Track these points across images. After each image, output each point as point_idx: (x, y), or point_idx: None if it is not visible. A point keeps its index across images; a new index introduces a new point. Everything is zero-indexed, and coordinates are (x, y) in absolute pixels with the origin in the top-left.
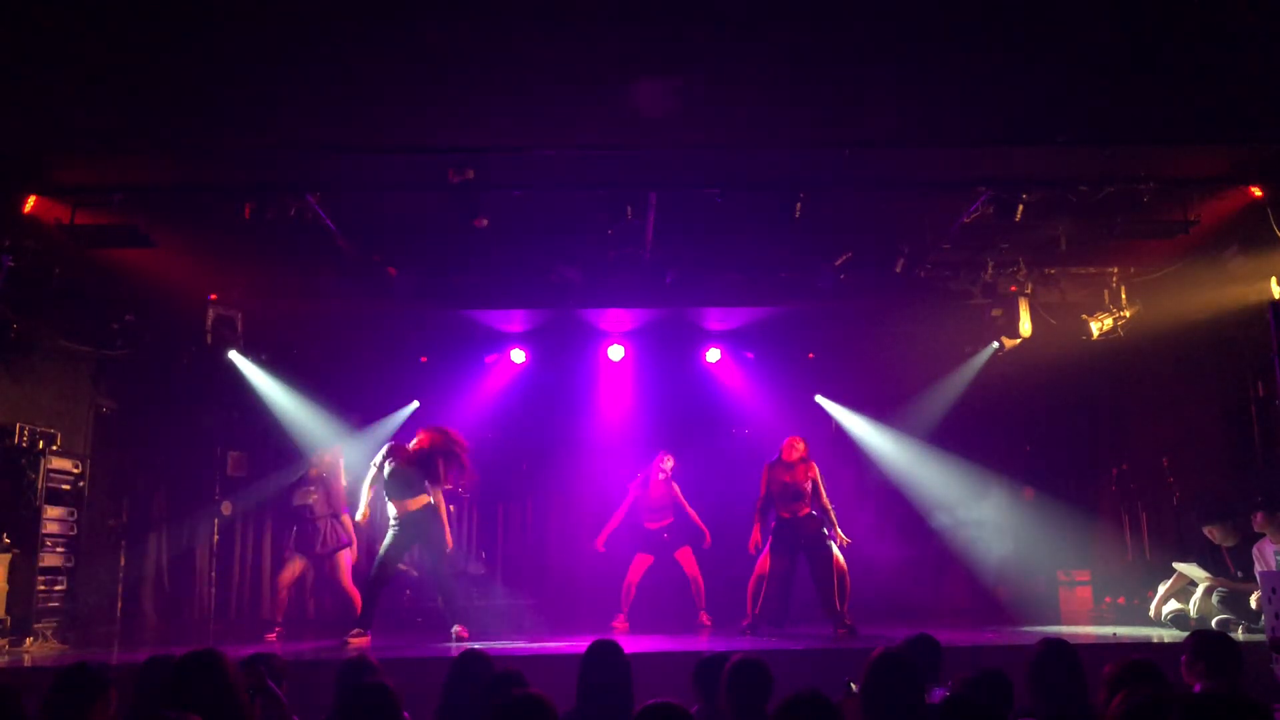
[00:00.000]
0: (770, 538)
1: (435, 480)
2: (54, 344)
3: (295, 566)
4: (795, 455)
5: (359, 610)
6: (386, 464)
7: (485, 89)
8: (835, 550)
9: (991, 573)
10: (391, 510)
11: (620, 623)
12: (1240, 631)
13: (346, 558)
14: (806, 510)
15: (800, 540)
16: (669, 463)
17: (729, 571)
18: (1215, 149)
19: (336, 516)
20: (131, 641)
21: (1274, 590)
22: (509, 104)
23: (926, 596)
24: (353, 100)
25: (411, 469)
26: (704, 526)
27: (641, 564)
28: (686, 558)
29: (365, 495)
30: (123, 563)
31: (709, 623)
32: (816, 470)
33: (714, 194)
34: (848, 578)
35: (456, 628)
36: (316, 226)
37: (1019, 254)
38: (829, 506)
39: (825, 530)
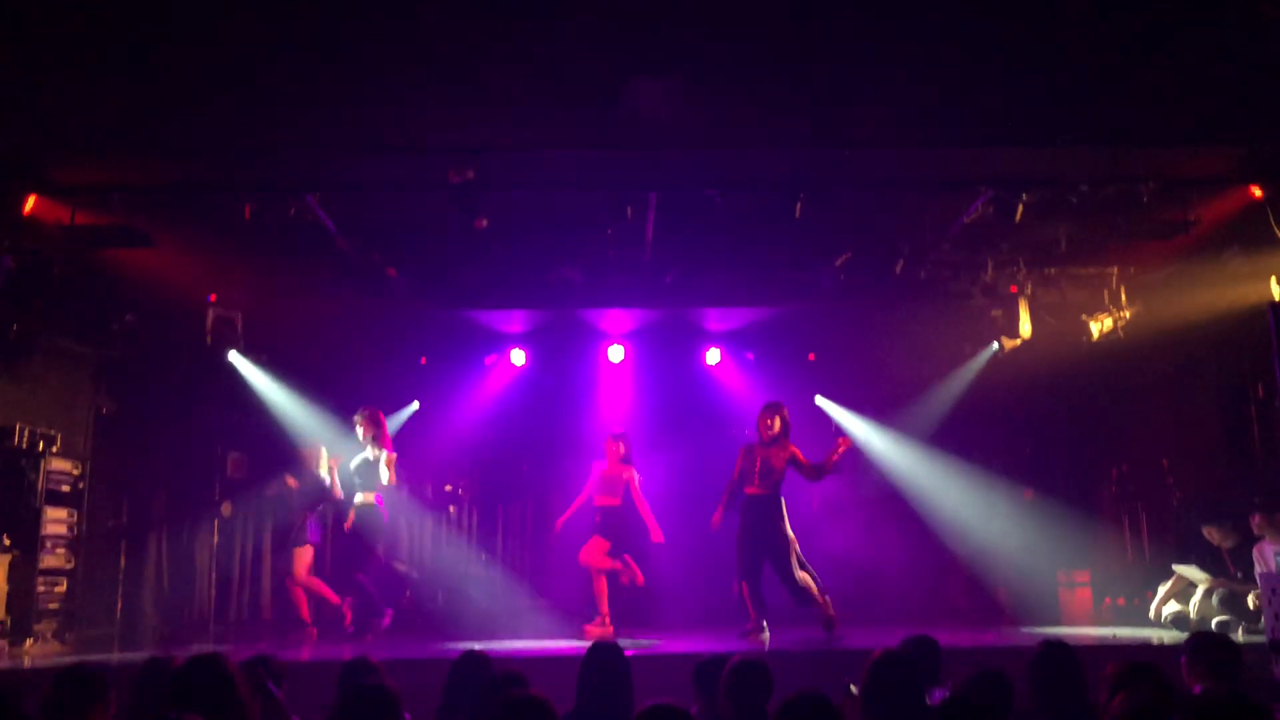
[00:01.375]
0: (738, 517)
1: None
2: (54, 344)
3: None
4: (769, 435)
5: (328, 603)
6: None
7: (485, 89)
8: (790, 534)
9: (993, 574)
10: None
11: (596, 626)
12: (1240, 632)
13: (308, 554)
14: (774, 490)
15: (759, 519)
16: (620, 446)
17: (728, 574)
18: (1215, 149)
19: (312, 510)
20: (131, 642)
21: (1274, 591)
22: (509, 104)
23: (926, 596)
24: (353, 100)
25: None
26: (653, 522)
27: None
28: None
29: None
30: (123, 563)
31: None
32: (795, 450)
33: (714, 194)
34: (806, 573)
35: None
36: (316, 226)
37: (1019, 254)
38: (815, 466)
39: (784, 514)
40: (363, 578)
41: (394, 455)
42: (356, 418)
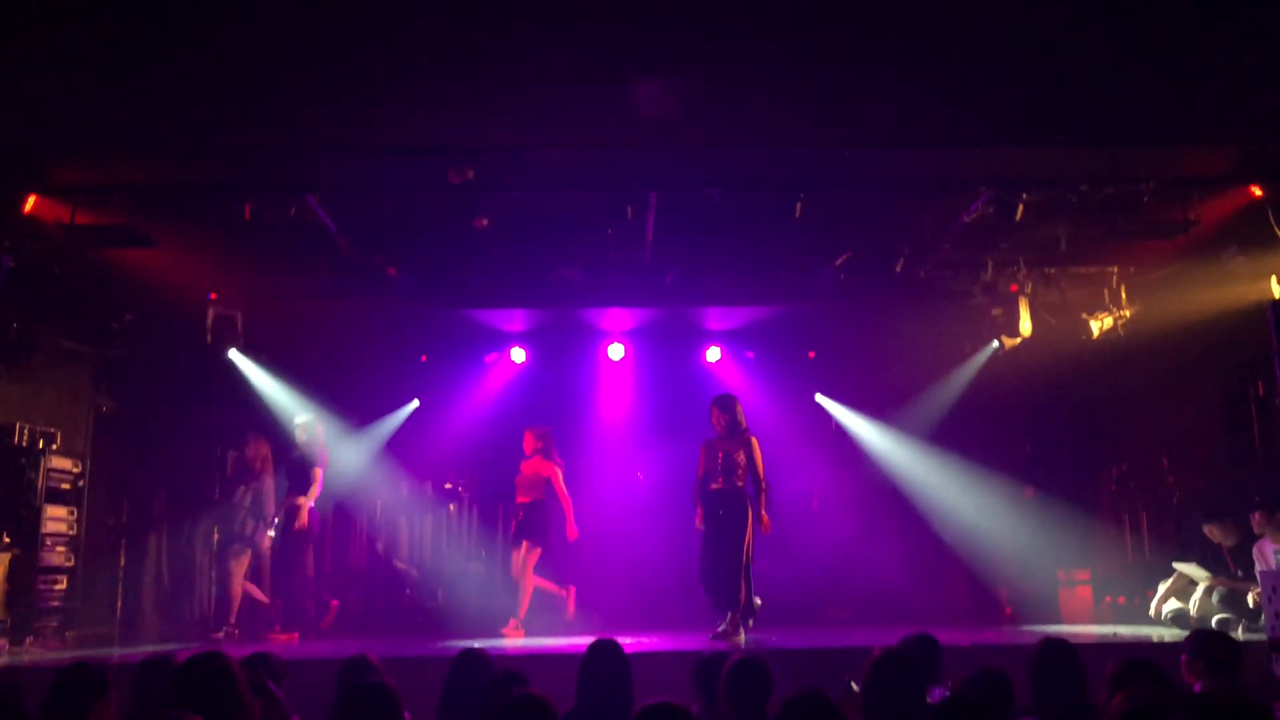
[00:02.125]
0: (704, 508)
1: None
2: (54, 344)
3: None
4: (720, 431)
5: (233, 612)
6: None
7: (485, 89)
8: (749, 538)
9: (993, 574)
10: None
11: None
12: (1240, 630)
13: (247, 557)
14: (739, 484)
15: (724, 515)
16: (532, 439)
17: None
18: (1215, 149)
19: (263, 513)
20: (131, 641)
21: (1274, 589)
22: (509, 104)
23: (926, 596)
24: (353, 100)
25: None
26: (571, 519)
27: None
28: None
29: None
30: (123, 563)
31: (519, 635)
32: (754, 445)
33: (714, 194)
34: (743, 580)
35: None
36: (316, 226)
37: (1019, 254)
38: (764, 485)
39: (749, 511)
40: (296, 580)
41: (324, 464)
42: (299, 422)
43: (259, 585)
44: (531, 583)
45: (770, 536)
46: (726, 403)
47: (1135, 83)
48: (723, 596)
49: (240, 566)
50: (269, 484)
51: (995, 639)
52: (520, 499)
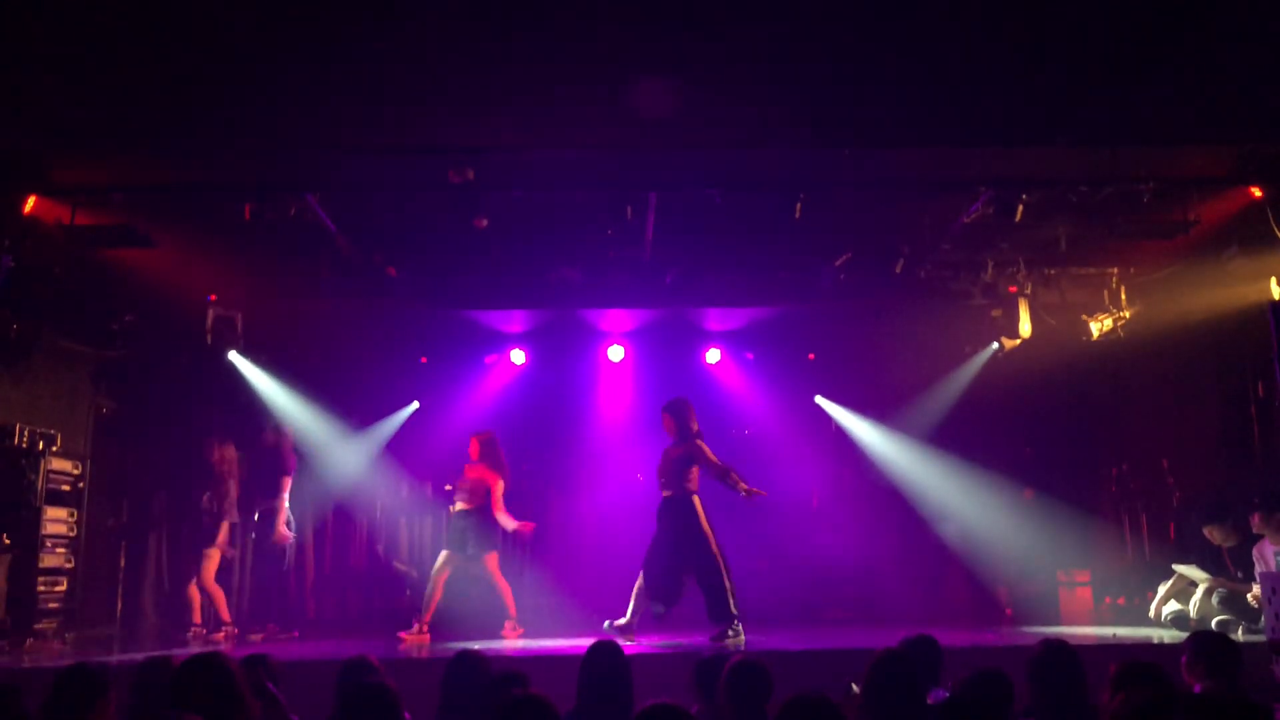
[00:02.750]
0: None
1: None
2: (54, 344)
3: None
4: (673, 437)
5: (223, 612)
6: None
7: (485, 89)
8: (711, 540)
9: (993, 574)
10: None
11: (412, 633)
12: (1240, 632)
13: (214, 557)
14: (690, 489)
15: (670, 523)
16: (477, 445)
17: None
18: (1215, 149)
19: (223, 516)
20: (131, 641)
21: (1274, 591)
22: (509, 104)
23: (926, 596)
24: (353, 100)
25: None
26: (509, 521)
27: (446, 560)
28: (489, 565)
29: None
30: (123, 563)
31: (518, 635)
32: (702, 448)
33: (714, 194)
34: (725, 582)
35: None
36: (316, 226)
37: (1019, 254)
38: (724, 468)
39: (699, 515)
40: (273, 583)
41: (292, 472)
42: (275, 425)
43: (224, 588)
44: (506, 584)
45: (770, 538)
46: (674, 407)
47: (1135, 83)
48: (712, 608)
49: (210, 568)
50: (233, 487)
51: (995, 640)
52: (461, 504)
